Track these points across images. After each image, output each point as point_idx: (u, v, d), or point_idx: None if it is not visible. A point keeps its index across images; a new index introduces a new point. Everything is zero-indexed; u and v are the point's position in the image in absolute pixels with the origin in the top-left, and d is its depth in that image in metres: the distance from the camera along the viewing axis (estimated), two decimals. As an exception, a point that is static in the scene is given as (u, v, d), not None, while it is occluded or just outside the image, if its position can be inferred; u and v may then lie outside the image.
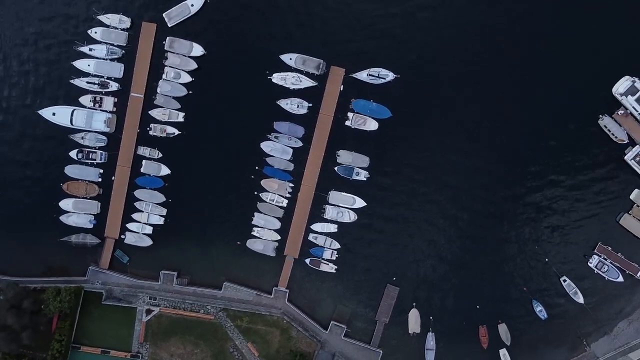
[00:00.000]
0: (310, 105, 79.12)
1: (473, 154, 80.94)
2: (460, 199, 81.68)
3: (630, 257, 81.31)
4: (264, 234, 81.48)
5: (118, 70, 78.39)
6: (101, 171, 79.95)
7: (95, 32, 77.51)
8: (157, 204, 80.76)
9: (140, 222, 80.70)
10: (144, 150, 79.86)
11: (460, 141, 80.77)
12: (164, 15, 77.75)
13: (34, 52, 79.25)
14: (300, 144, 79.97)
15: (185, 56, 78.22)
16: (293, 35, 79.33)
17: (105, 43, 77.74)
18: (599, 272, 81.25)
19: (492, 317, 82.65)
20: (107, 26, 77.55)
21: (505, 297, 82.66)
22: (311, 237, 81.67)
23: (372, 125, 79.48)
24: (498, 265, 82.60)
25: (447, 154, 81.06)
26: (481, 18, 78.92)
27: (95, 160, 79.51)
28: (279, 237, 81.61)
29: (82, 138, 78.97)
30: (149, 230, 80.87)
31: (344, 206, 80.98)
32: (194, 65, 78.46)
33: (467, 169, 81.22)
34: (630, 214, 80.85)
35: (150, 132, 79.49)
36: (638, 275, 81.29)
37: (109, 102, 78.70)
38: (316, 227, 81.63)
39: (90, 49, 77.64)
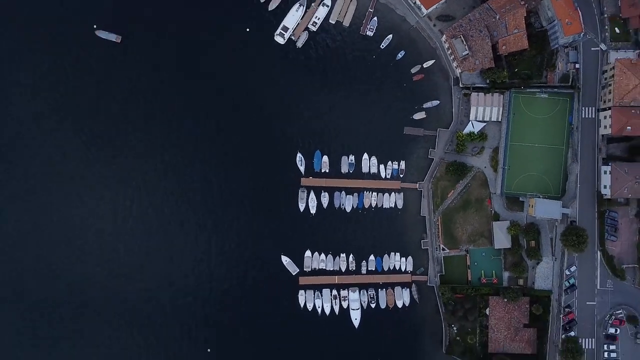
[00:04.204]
0: (323, 191, 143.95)
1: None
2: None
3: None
4: (400, 204, 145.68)
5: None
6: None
7: None
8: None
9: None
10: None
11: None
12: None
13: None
14: (344, 196, 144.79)
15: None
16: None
17: None
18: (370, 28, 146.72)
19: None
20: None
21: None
22: (388, 175, 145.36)
23: (326, 159, 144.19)
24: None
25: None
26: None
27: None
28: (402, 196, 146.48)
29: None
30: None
31: (371, 165, 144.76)
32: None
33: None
34: None
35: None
36: None
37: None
38: (383, 169, 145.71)
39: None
